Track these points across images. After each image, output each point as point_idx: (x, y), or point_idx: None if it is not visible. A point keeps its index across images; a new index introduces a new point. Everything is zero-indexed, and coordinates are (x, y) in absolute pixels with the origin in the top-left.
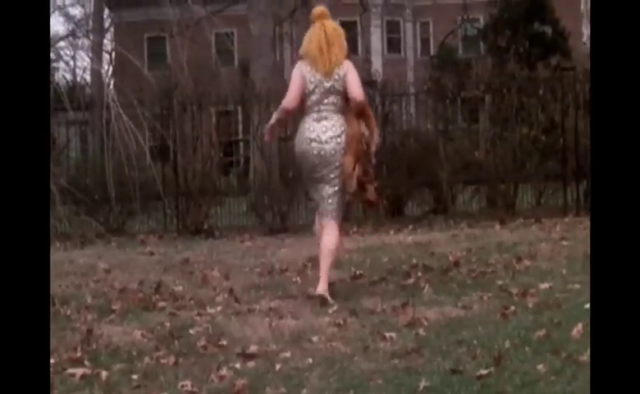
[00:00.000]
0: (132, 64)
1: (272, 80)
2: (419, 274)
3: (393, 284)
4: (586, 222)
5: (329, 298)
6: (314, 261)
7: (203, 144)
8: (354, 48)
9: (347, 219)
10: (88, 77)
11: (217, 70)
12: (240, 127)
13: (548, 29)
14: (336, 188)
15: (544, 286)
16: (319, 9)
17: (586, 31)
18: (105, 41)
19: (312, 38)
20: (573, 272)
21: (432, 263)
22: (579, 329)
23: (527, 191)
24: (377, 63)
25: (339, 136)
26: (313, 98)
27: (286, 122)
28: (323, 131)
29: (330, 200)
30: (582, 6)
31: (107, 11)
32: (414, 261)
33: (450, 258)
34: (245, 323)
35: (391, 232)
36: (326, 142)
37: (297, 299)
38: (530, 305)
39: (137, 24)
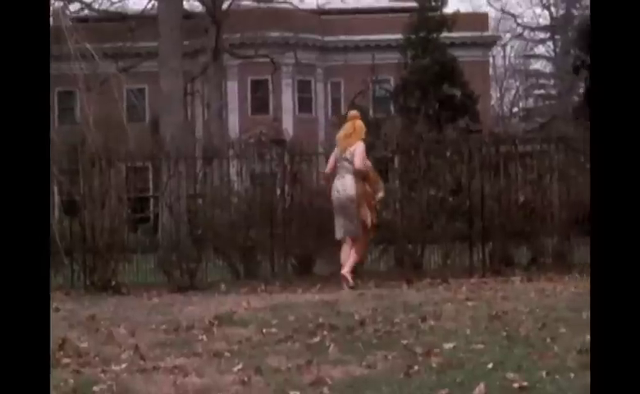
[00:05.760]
0: None
1: (182, 137)
2: (325, 333)
3: (299, 342)
4: (491, 282)
5: (350, 279)
6: (220, 318)
7: (111, 199)
8: (265, 108)
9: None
10: None
11: (128, 126)
12: (150, 184)
13: (457, 92)
14: (350, 220)
15: (448, 345)
16: (353, 112)
17: (494, 94)
18: None
19: (343, 128)
20: (477, 332)
21: (338, 322)
22: (481, 389)
23: (434, 251)
24: (288, 122)
25: (350, 190)
26: (338, 165)
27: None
28: (341, 186)
29: (349, 227)
30: (490, 70)
31: None
32: (321, 320)
33: (356, 317)
34: (150, 381)
35: (299, 291)
36: (342, 192)
37: (202, 356)
38: (434, 365)
39: None
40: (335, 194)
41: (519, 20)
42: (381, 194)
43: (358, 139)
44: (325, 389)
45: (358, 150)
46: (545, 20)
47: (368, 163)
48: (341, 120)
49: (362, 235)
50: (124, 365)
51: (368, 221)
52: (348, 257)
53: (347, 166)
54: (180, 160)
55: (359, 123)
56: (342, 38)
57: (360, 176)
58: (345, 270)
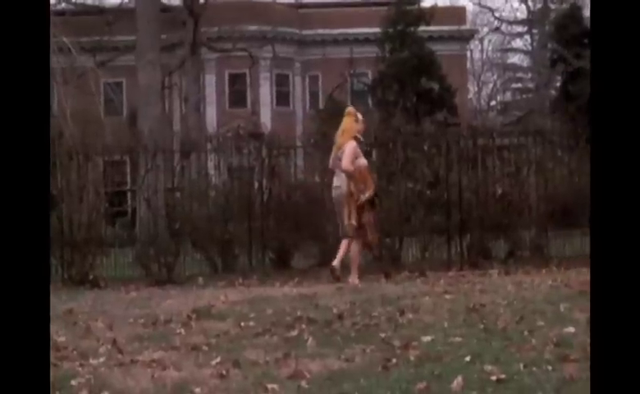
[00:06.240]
0: None
1: (160, 131)
2: (303, 326)
3: (277, 336)
4: (469, 275)
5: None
6: (198, 312)
7: (89, 193)
8: (243, 101)
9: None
10: None
11: (105, 119)
12: (128, 177)
13: (435, 85)
14: (342, 219)
15: (426, 338)
16: (350, 109)
17: (471, 87)
18: None
19: (340, 126)
20: (454, 325)
21: (316, 316)
22: (459, 382)
23: (412, 245)
24: (266, 116)
25: (339, 187)
26: (337, 163)
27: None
28: (337, 182)
29: (343, 226)
30: (468, 64)
31: None
32: (299, 313)
33: (335, 310)
34: (128, 374)
35: (277, 284)
36: (334, 189)
37: (180, 350)
38: (412, 358)
39: None
40: (332, 192)
41: (497, 14)
42: (365, 196)
43: (349, 138)
44: (303, 382)
45: (347, 150)
46: (522, 13)
47: (362, 162)
48: (320, 114)
49: (355, 235)
50: (102, 359)
51: (346, 221)
52: (341, 254)
53: (339, 164)
54: (157, 154)
55: (348, 121)
56: (320, 31)
57: (347, 175)
58: (351, 279)
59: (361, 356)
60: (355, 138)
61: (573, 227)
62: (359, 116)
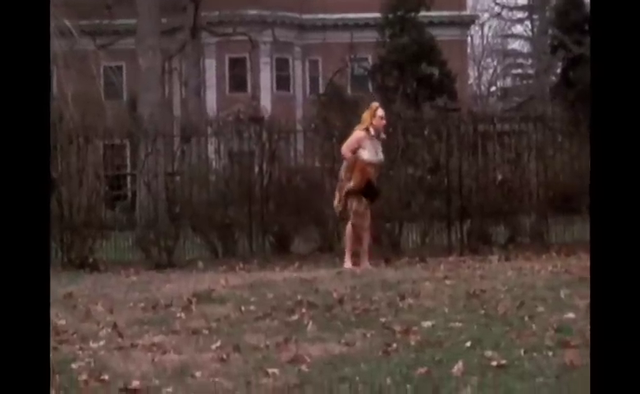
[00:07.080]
0: None
1: (160, 115)
2: (303, 311)
3: (277, 320)
4: (469, 261)
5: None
6: (199, 296)
7: (88, 177)
8: (243, 85)
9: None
10: None
11: (105, 103)
12: (128, 161)
13: (435, 71)
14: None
15: (426, 324)
16: (374, 104)
17: (472, 73)
18: None
19: None
20: (455, 310)
21: (316, 300)
22: (460, 367)
23: (412, 230)
24: (266, 100)
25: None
26: None
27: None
28: None
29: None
30: (468, 50)
31: None
32: (299, 298)
33: (335, 295)
34: (128, 358)
35: (277, 269)
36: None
37: (181, 334)
38: (412, 343)
39: None
40: None
41: (497, 0)
42: (349, 185)
43: (360, 129)
44: (303, 367)
45: (350, 138)
46: None
47: (362, 155)
48: (320, 98)
49: (352, 220)
50: (102, 342)
51: (334, 203)
52: (364, 246)
53: None
54: (157, 138)
55: (365, 114)
56: (320, 16)
57: (344, 160)
58: (345, 263)
59: (361, 341)
60: (366, 129)
61: (574, 213)
62: (379, 112)
